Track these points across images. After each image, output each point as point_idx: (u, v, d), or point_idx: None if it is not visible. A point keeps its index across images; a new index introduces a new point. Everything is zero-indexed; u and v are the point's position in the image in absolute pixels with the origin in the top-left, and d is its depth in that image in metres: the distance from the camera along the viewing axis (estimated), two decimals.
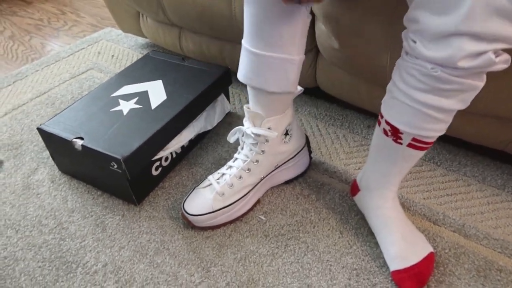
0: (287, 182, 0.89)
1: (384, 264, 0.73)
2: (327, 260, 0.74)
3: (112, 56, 1.42)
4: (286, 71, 0.70)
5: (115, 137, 0.81)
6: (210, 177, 0.83)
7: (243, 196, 0.81)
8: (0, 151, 1.02)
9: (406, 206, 0.84)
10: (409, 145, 0.65)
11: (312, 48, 0.99)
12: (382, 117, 0.67)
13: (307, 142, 0.90)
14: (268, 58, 0.68)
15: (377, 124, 0.70)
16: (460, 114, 0.85)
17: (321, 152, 0.98)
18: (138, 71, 1.04)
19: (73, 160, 0.87)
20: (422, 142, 0.64)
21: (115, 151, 0.78)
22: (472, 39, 0.49)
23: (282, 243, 0.78)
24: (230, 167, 0.83)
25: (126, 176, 0.79)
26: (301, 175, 0.90)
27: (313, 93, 1.18)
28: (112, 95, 0.95)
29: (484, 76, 0.56)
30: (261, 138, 0.78)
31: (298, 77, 0.74)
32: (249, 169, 0.81)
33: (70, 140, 0.81)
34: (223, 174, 0.82)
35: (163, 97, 0.93)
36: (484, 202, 0.84)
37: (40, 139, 1.06)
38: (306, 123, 1.07)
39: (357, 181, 0.82)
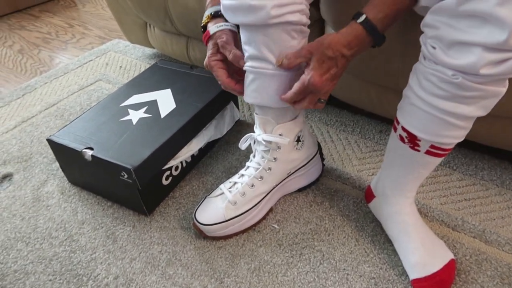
0: (300, 190, 0.88)
1: (403, 273, 0.71)
2: (344, 269, 0.72)
3: (120, 67, 1.42)
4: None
5: (125, 147, 0.81)
6: (221, 186, 0.81)
7: (255, 205, 0.79)
8: (10, 163, 1.02)
9: (423, 212, 0.81)
10: (427, 152, 0.63)
11: None
12: (398, 123, 0.65)
13: (319, 149, 0.88)
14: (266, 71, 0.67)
15: (392, 130, 0.68)
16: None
17: (333, 159, 0.96)
18: (146, 81, 1.04)
19: (83, 171, 0.86)
20: (440, 149, 0.62)
21: (125, 161, 0.77)
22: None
23: (297, 252, 0.76)
24: (242, 175, 0.81)
25: (136, 186, 0.77)
26: (314, 182, 0.89)
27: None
28: (121, 105, 0.94)
29: (507, 82, 0.54)
30: (273, 145, 0.77)
31: None
32: (261, 177, 0.79)
33: (80, 150, 0.81)
34: (235, 183, 0.81)
35: (172, 105, 0.92)
36: (504, 207, 0.81)
37: (50, 151, 1.05)
38: (316, 130, 1.06)
39: (372, 187, 0.80)
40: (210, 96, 0.95)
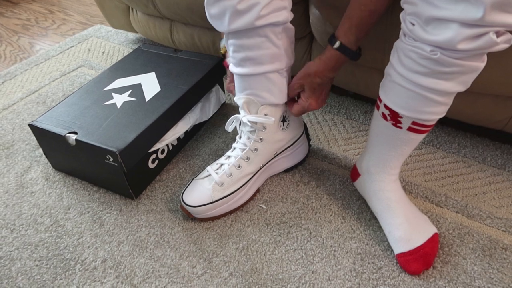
0: (287, 170, 0.88)
1: (389, 248, 0.72)
2: (331, 246, 0.73)
3: (103, 52, 1.40)
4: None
5: (110, 130, 0.80)
6: (208, 167, 0.81)
7: (242, 186, 0.79)
8: None
9: (408, 189, 0.83)
10: (409, 129, 0.64)
11: (306, 34, 0.98)
12: (380, 101, 0.66)
13: (305, 129, 0.88)
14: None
15: (375, 108, 0.69)
16: (457, 95, 0.84)
17: (319, 140, 0.97)
18: (130, 65, 1.02)
19: (67, 156, 0.85)
20: (422, 125, 0.63)
21: (111, 144, 0.76)
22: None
23: (284, 230, 0.76)
24: (229, 157, 0.81)
25: (122, 169, 0.77)
26: (301, 163, 0.89)
27: None
28: (105, 89, 0.93)
29: (485, 57, 0.54)
30: (259, 126, 0.77)
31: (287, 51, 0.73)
32: (247, 158, 0.79)
33: (63, 135, 0.79)
34: (222, 164, 0.81)
35: (157, 89, 0.91)
36: (486, 182, 0.83)
37: (32, 137, 1.03)
38: None
39: (357, 166, 0.81)
40: (195, 79, 0.94)
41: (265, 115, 0.76)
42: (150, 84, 0.93)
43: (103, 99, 0.90)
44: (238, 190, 0.79)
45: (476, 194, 0.81)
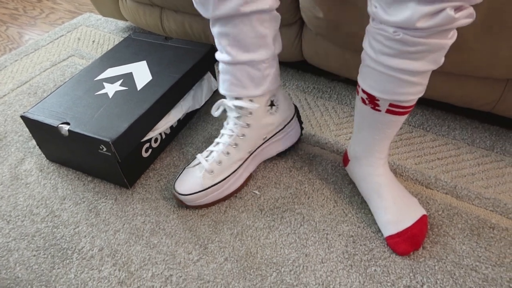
0: (279, 155, 0.89)
1: (380, 230, 0.74)
2: (323, 229, 0.75)
3: (93, 41, 1.39)
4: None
5: (102, 120, 0.80)
6: (198, 155, 0.81)
7: (233, 172, 0.80)
8: None
9: (398, 172, 0.84)
10: (388, 111, 0.65)
11: (296, 20, 0.98)
12: (359, 86, 0.67)
13: (296, 112, 0.88)
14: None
15: (356, 94, 0.70)
16: (445, 77, 0.85)
17: (311, 125, 0.98)
18: (121, 53, 1.02)
19: (61, 147, 0.85)
20: (400, 107, 0.64)
21: (103, 134, 0.76)
22: None
23: (278, 215, 0.78)
24: (218, 143, 0.81)
25: (116, 158, 0.77)
26: (293, 146, 0.89)
27: (299, 66, 1.17)
28: (96, 79, 0.93)
29: (452, 33, 0.55)
30: (244, 111, 0.76)
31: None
32: (236, 144, 0.79)
33: (56, 126, 0.80)
34: (211, 151, 0.81)
35: (149, 77, 0.91)
36: (474, 164, 0.85)
37: (25, 129, 1.03)
38: (294, 97, 1.07)
39: (347, 151, 0.82)
40: (186, 66, 0.94)
41: (250, 100, 0.75)
42: (141, 73, 0.93)
43: (94, 89, 0.90)
44: (229, 177, 0.80)
45: (465, 176, 0.83)
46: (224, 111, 0.84)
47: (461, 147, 0.89)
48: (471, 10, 0.51)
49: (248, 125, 0.78)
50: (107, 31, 1.44)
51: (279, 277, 0.68)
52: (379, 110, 0.65)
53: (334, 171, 0.85)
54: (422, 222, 0.71)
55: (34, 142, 0.99)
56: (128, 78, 0.92)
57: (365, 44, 0.61)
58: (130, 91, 0.88)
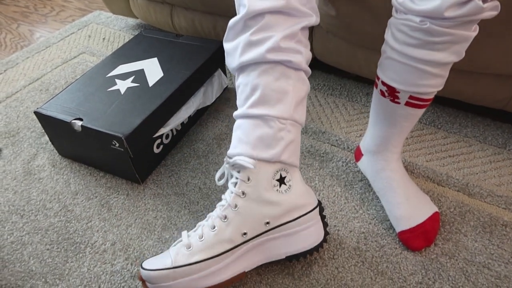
0: (289, 259, 0.64)
1: (391, 227, 0.74)
2: (335, 226, 0.75)
3: (104, 39, 1.40)
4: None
5: (115, 116, 0.81)
6: (184, 231, 0.64)
7: (216, 256, 0.59)
8: None
9: (409, 169, 0.84)
10: (407, 104, 0.65)
11: None
12: (378, 79, 0.67)
13: (320, 207, 0.66)
14: None
15: (374, 87, 0.70)
16: (458, 74, 0.85)
17: (321, 122, 0.98)
18: (132, 51, 1.02)
19: (73, 143, 0.86)
20: (419, 99, 0.64)
21: (116, 129, 0.77)
22: None
23: None
24: (209, 217, 0.64)
25: (128, 154, 0.78)
26: (311, 251, 0.64)
27: (310, 64, 1.17)
28: (108, 75, 0.94)
29: (476, 26, 0.56)
30: (242, 175, 0.60)
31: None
32: (225, 217, 0.60)
33: (69, 121, 0.80)
34: (199, 225, 0.64)
35: (160, 74, 0.92)
36: (486, 161, 0.84)
37: (37, 125, 1.04)
38: None
39: (360, 146, 0.82)
40: (197, 63, 0.94)
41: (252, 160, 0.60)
42: (153, 69, 0.94)
43: (106, 85, 0.90)
44: (209, 261, 0.59)
45: (477, 173, 0.82)
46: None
47: (473, 144, 0.88)
48: (496, 2, 0.52)
49: (243, 194, 0.60)
50: (117, 28, 1.45)
51: (290, 272, 0.68)
52: (398, 103, 0.65)
53: (345, 168, 0.85)
54: (434, 219, 0.71)
55: (46, 138, 1.00)
56: (139, 75, 0.92)
57: (388, 36, 0.62)
58: (142, 87, 0.88)
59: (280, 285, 0.67)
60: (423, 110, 0.66)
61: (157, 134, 0.85)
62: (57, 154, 0.95)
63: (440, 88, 0.62)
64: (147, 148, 0.85)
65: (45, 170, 0.92)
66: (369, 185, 0.81)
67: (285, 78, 0.59)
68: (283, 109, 0.59)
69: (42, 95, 1.15)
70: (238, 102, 0.62)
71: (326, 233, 0.67)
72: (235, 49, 0.59)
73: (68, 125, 0.81)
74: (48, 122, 0.86)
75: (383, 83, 0.65)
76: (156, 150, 0.88)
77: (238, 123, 0.62)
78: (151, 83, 0.89)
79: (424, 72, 0.59)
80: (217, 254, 0.60)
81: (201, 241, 0.60)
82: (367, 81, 1.09)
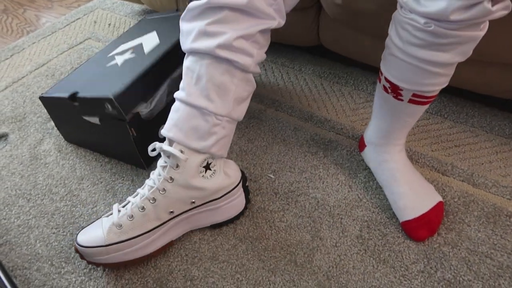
0: (214, 226, 0.74)
1: (394, 215, 0.74)
2: (338, 214, 0.75)
3: (109, 24, 1.39)
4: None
5: (107, 83, 0.80)
6: (115, 205, 0.70)
7: (145, 233, 0.66)
8: (4, 124, 1.02)
9: (415, 158, 0.84)
10: (410, 101, 0.64)
11: (313, 4, 0.97)
12: (381, 74, 0.66)
13: (243, 180, 0.74)
14: None
15: (377, 81, 0.69)
16: (465, 64, 0.84)
17: (327, 110, 0.97)
18: (134, 33, 1.01)
19: (78, 127, 0.86)
20: (423, 97, 0.63)
21: (107, 93, 0.75)
22: None
23: (292, 199, 0.78)
24: (137, 194, 0.69)
25: (122, 116, 0.76)
26: (233, 219, 0.74)
27: (316, 51, 1.16)
28: (109, 55, 0.93)
29: (485, 24, 0.53)
30: (171, 161, 0.64)
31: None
32: (154, 199, 0.65)
33: (66, 97, 0.80)
34: (128, 202, 0.68)
35: (157, 42, 0.90)
36: (492, 152, 0.84)
37: (43, 110, 1.05)
38: (310, 82, 1.06)
39: (364, 136, 0.81)
40: None
41: (181, 151, 0.63)
42: (150, 40, 0.92)
43: (106, 62, 0.89)
44: (139, 238, 0.66)
45: (482, 163, 0.82)
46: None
47: (479, 134, 0.88)
48: (507, 2, 0.49)
49: (171, 179, 0.64)
50: (123, 14, 1.45)
51: (293, 259, 0.69)
52: (402, 100, 0.64)
53: (349, 157, 0.85)
54: (438, 209, 0.70)
55: (52, 123, 1.00)
56: (138, 48, 0.91)
57: (391, 31, 0.60)
58: (137, 57, 0.87)
59: (282, 272, 0.67)
60: (427, 106, 0.65)
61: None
62: (63, 139, 0.96)
63: (445, 85, 0.61)
64: (152, 132, 0.85)
65: (51, 155, 0.92)
66: (373, 174, 0.81)
67: (230, 75, 0.61)
68: (222, 106, 0.62)
69: (48, 81, 1.15)
70: (181, 84, 0.64)
71: (248, 201, 0.75)
72: (189, 33, 0.61)
73: (67, 103, 0.80)
74: (52, 105, 0.86)
75: (386, 80, 0.64)
76: (161, 135, 0.87)
77: (176, 105, 0.64)
78: (147, 51, 0.88)
79: (428, 72, 0.58)
80: (146, 231, 0.66)
81: (130, 220, 0.65)
82: (373, 69, 1.08)
